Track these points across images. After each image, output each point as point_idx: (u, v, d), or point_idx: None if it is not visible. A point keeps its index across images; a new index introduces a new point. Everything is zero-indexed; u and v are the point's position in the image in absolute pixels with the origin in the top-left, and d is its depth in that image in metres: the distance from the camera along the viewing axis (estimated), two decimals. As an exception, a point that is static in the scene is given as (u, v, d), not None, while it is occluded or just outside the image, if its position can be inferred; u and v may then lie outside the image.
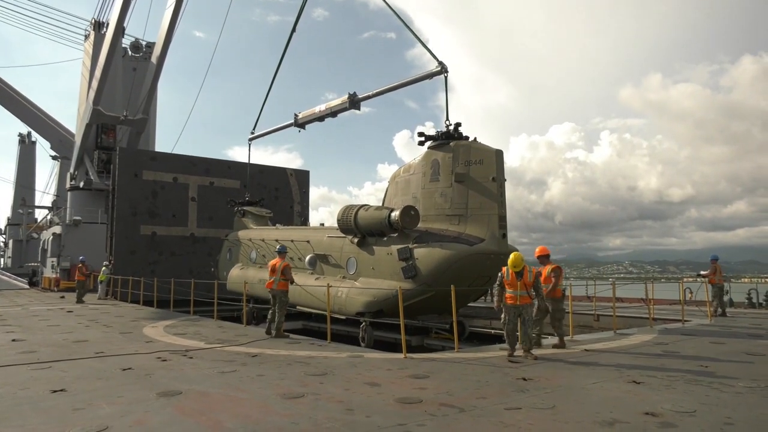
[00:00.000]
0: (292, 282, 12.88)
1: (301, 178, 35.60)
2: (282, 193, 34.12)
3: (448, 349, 12.08)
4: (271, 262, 12.78)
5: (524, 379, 7.20)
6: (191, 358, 9.20)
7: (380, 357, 9.53)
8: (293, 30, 22.14)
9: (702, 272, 18.00)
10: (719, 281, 16.27)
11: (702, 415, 5.39)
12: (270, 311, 12.46)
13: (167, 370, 8.09)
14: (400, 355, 9.38)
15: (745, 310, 19.42)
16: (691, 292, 22.11)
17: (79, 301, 22.55)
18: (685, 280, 20.48)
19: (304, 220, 34.95)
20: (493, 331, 18.27)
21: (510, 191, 13.31)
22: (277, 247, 13.87)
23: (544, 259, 10.60)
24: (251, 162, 28.38)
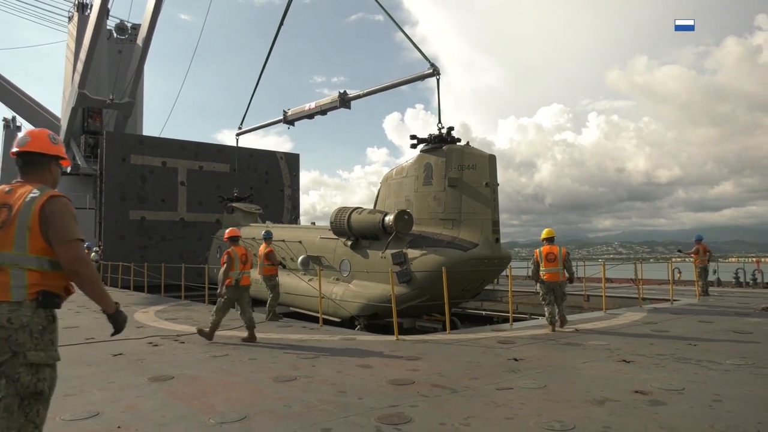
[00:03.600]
0: (281, 265, 12.87)
1: (291, 161, 35.37)
2: (272, 177, 33.93)
3: (440, 331, 12.16)
4: (259, 250, 12.80)
5: (516, 360, 7.25)
6: (183, 342, 9.18)
7: (372, 339, 9.57)
8: (281, 24, 21.95)
9: (680, 248, 18.30)
10: (702, 261, 16.50)
11: (691, 393, 5.46)
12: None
13: (159, 354, 8.06)
14: (392, 338, 9.42)
15: (733, 289, 19.68)
16: (680, 272, 22.38)
17: None
18: (674, 260, 20.70)
19: (295, 205, 34.83)
20: (484, 312, 18.44)
21: (500, 174, 13.28)
22: (263, 232, 13.74)
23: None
24: (241, 146, 28.13)
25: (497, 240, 12.74)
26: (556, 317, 10.06)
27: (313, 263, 15.55)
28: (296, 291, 15.05)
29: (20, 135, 3.22)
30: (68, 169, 36.88)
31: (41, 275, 2.89)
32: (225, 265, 9.36)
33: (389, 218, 13.28)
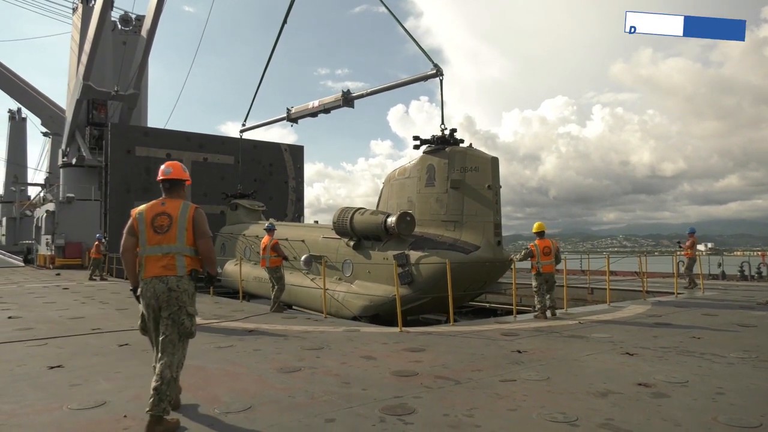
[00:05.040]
0: (285, 258, 12.91)
1: (296, 153, 35.39)
2: (276, 169, 33.98)
3: (444, 323, 12.19)
4: (262, 242, 12.81)
5: (519, 352, 7.27)
6: (188, 333, 9.23)
7: (376, 331, 9.60)
8: (284, 22, 21.95)
9: (679, 241, 18.38)
10: (693, 254, 16.59)
11: (694, 386, 5.47)
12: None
13: (164, 345, 8.11)
14: (396, 329, 9.44)
15: (738, 282, 19.63)
16: (684, 265, 22.30)
17: (92, 278, 22.38)
18: (678, 254, 20.66)
19: (299, 197, 34.85)
20: (488, 305, 18.46)
21: (504, 167, 13.30)
22: (266, 224, 13.74)
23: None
24: (245, 138, 28.14)
25: (499, 242, 12.77)
26: (546, 305, 10.84)
27: (315, 262, 15.58)
28: (298, 289, 15.07)
29: (163, 167, 4.78)
30: (73, 161, 36.99)
31: (191, 259, 4.56)
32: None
33: (392, 219, 13.27)
